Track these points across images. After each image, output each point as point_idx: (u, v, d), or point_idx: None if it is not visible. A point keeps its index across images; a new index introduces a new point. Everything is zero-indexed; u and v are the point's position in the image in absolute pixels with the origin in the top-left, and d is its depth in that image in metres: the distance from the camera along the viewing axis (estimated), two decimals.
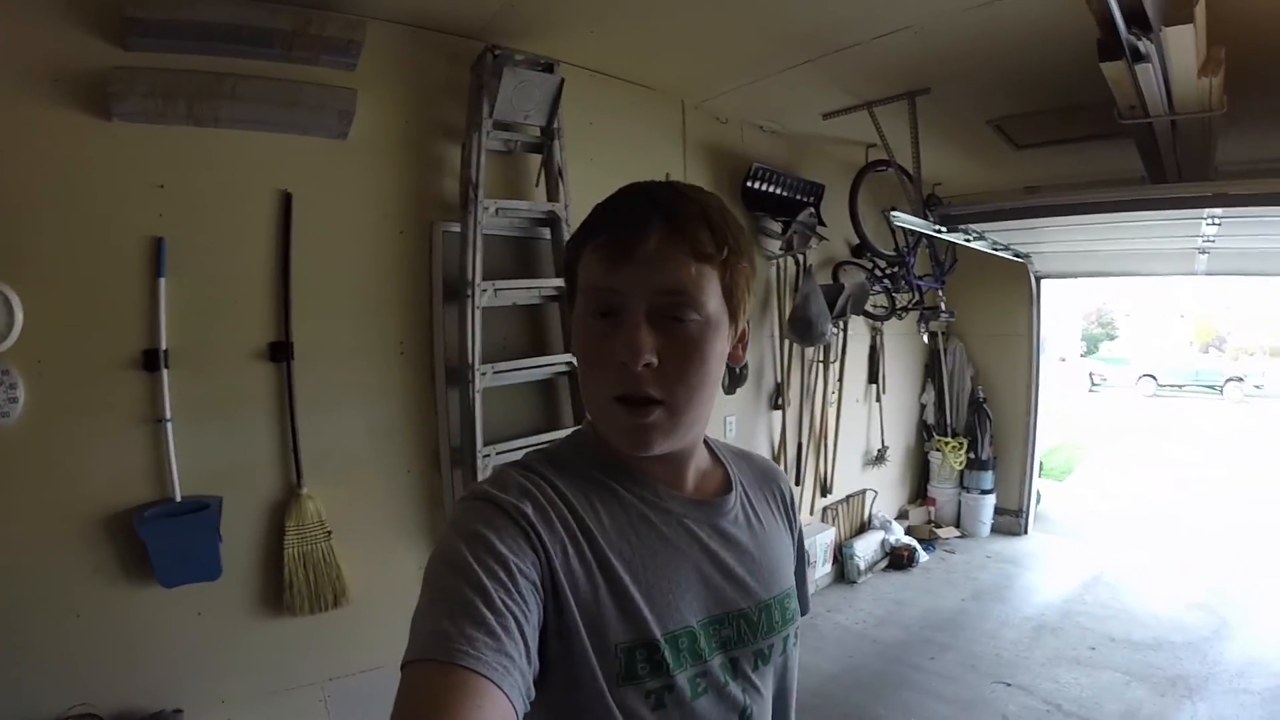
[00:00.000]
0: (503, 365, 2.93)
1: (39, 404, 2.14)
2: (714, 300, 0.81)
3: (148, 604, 2.31)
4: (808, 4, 2.80)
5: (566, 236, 3.07)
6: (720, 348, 0.84)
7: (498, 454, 2.87)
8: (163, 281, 2.31)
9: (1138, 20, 2.37)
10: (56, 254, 2.18)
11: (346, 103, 2.59)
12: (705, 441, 0.97)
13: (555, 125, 3.05)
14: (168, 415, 2.32)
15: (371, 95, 2.68)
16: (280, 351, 2.56)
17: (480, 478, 2.68)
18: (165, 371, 2.32)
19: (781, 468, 4.50)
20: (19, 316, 2.09)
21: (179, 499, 2.34)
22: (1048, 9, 2.67)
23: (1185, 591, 5.01)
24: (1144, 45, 2.45)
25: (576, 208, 3.11)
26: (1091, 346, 27.20)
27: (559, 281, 3.09)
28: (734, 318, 0.85)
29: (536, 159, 3.13)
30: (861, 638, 4.33)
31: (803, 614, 1.00)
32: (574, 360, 0.96)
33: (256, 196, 2.52)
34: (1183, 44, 2.41)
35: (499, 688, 0.64)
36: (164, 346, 2.31)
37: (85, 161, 2.21)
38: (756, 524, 0.96)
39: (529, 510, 0.78)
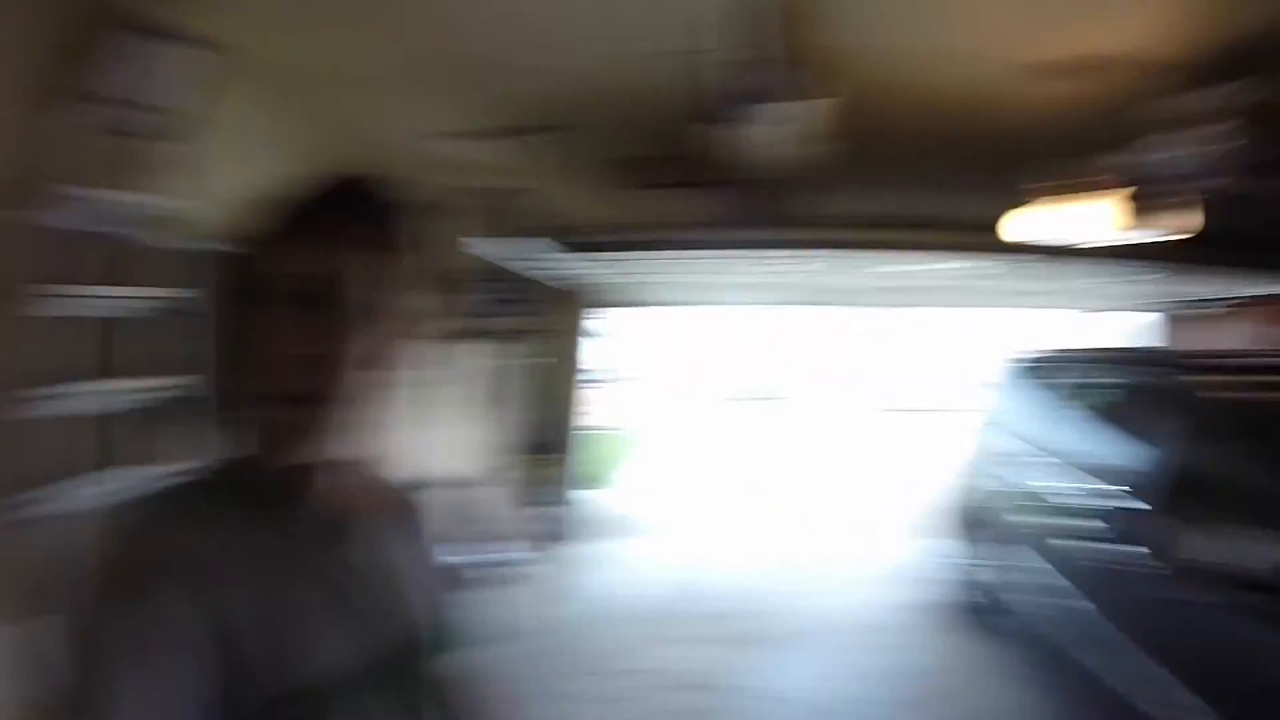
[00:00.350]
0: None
1: None
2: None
3: None
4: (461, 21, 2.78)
5: (178, 240, 2.63)
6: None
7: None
8: None
9: (750, 92, 2.74)
10: None
11: None
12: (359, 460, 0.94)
13: (186, 109, 2.58)
14: None
15: None
16: None
17: None
18: None
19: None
20: None
21: None
22: (673, 70, 2.91)
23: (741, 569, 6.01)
24: (748, 112, 2.82)
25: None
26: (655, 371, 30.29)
27: (164, 291, 2.62)
28: None
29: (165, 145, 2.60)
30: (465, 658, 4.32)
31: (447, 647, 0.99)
32: None
33: None
34: (790, 114, 2.81)
35: None
36: None
37: None
38: (389, 556, 0.94)
39: (187, 543, 0.72)
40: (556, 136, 3.77)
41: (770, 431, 17.89)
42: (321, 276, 0.76)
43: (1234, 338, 6.39)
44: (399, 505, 1.00)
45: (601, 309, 6.61)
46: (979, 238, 4.58)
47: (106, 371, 2.57)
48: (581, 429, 6.68)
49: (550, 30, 2.80)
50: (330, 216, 0.79)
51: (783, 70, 2.67)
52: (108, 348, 2.59)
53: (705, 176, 3.67)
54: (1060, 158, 3.20)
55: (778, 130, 2.87)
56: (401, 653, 0.85)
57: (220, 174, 2.83)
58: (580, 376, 6.65)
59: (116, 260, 2.58)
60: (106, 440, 2.60)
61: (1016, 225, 3.66)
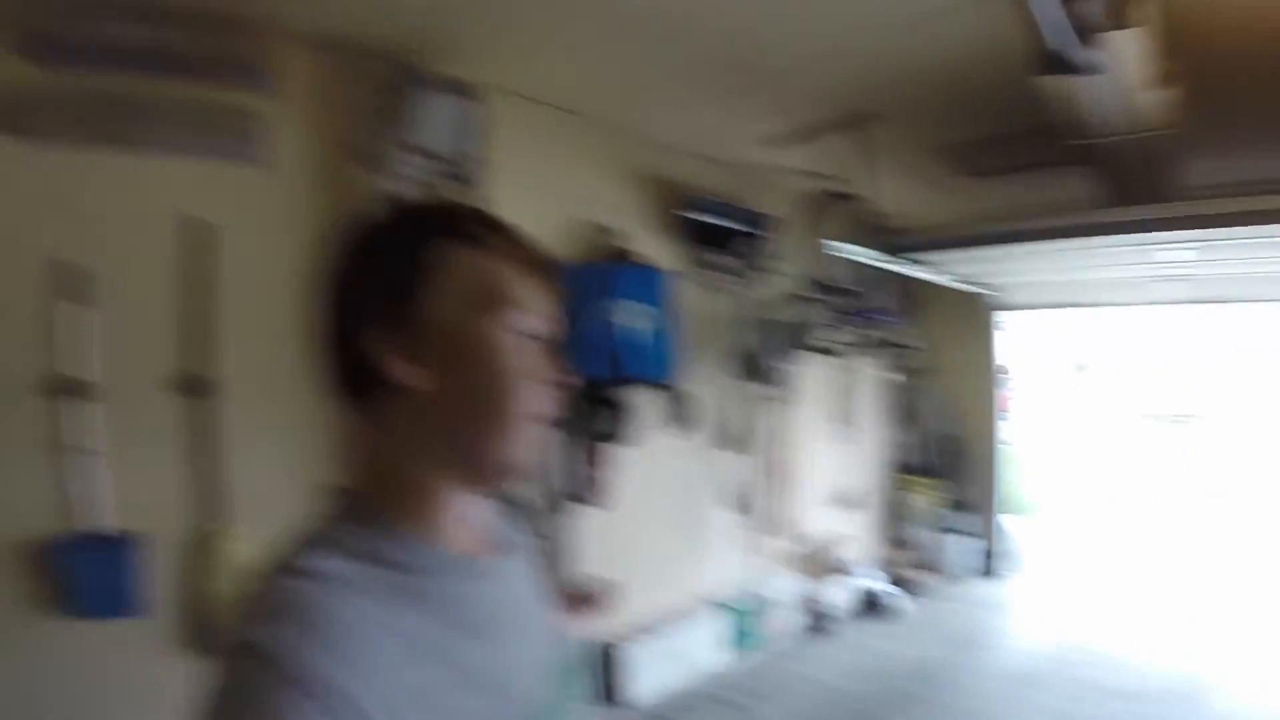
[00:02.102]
0: None
1: None
2: None
3: (69, 639, 2.16)
4: (728, 27, 2.66)
5: None
6: None
7: None
8: (79, 308, 2.19)
9: (1078, 29, 2.20)
10: None
11: (258, 127, 2.47)
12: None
13: (479, 153, 2.89)
14: (88, 446, 2.20)
15: (290, 119, 2.56)
16: (202, 385, 2.42)
17: None
18: (86, 402, 2.19)
19: (739, 512, 4.39)
20: None
21: (99, 532, 2.20)
22: (983, 23, 2.49)
23: (1169, 636, 4.74)
24: (1084, 56, 2.29)
25: None
26: (1066, 381, 26.96)
27: None
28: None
29: (464, 190, 2.90)
30: (833, 691, 4.04)
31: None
32: (451, 380, 0.71)
33: (172, 222, 2.39)
34: (1129, 53, 2.22)
35: None
36: (82, 375, 2.20)
37: None
38: (525, 626, 0.87)
39: (340, 681, 0.57)
40: (883, 127, 3.47)
41: (1186, 455, 14.53)
42: (547, 314, 0.78)
43: None
44: (517, 548, 0.92)
45: (995, 313, 5.87)
46: None
47: None
48: (978, 449, 6.00)
49: (849, 12, 2.53)
50: (545, 262, 0.80)
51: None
52: None
53: (1056, 150, 3.07)
54: None
55: (1117, 67, 2.27)
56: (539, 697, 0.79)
57: (532, 207, 3.15)
58: (978, 389, 6.00)
59: None
60: None
61: None
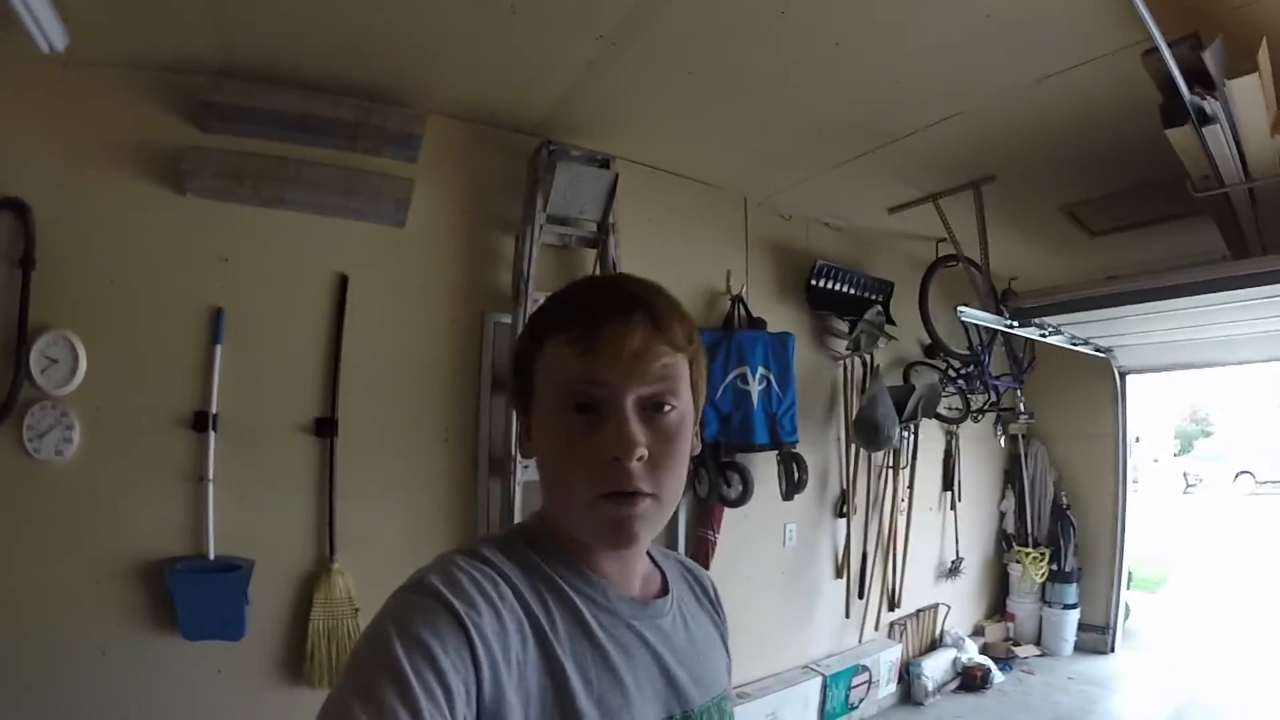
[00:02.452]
0: None
1: (92, 449, 2.25)
2: (686, 391, 0.80)
3: (170, 654, 2.30)
4: (854, 94, 2.77)
5: None
6: (690, 436, 0.81)
7: None
8: (219, 348, 2.42)
9: (1199, 78, 2.18)
10: (124, 312, 2.32)
11: (404, 192, 2.66)
12: None
13: (610, 220, 3.04)
14: (211, 475, 2.36)
15: (429, 186, 2.75)
16: (325, 427, 2.57)
17: None
18: (213, 434, 2.39)
19: (841, 578, 4.32)
20: (83, 364, 2.24)
21: (212, 557, 2.35)
22: (1105, 80, 2.51)
23: None
24: (1209, 105, 2.25)
25: None
26: (1186, 445, 25.10)
27: None
28: (697, 406, 0.83)
29: (592, 254, 3.11)
30: None
31: None
32: (537, 456, 0.80)
33: (314, 276, 2.61)
34: (1250, 98, 2.22)
35: None
36: (214, 410, 2.40)
37: (157, 230, 2.38)
38: (693, 624, 0.91)
39: (480, 616, 0.68)
40: (1000, 188, 3.51)
41: None
42: (590, 380, 0.75)
43: None
44: (690, 577, 1.00)
45: (1117, 377, 5.67)
46: None
47: None
48: (1094, 518, 5.73)
49: (971, 76, 2.61)
50: (601, 321, 0.77)
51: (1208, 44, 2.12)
52: None
53: (1177, 204, 3.04)
54: None
55: (1242, 114, 2.28)
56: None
57: (657, 274, 3.26)
58: (1097, 456, 5.75)
59: None
60: None
61: None
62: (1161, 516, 11.17)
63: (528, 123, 2.93)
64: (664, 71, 2.59)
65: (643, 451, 0.74)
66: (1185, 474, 20.10)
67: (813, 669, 4.04)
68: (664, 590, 0.90)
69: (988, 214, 3.61)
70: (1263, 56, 2.09)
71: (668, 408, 0.77)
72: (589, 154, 2.95)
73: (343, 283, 2.63)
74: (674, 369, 0.78)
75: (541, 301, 0.80)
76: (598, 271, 3.07)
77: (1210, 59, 2.11)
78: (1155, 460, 19.75)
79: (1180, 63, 2.13)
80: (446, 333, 2.83)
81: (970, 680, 4.80)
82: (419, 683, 0.61)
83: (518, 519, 2.62)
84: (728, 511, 3.53)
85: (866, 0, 2.19)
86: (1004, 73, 2.59)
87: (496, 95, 2.76)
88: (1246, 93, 2.16)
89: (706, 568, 3.35)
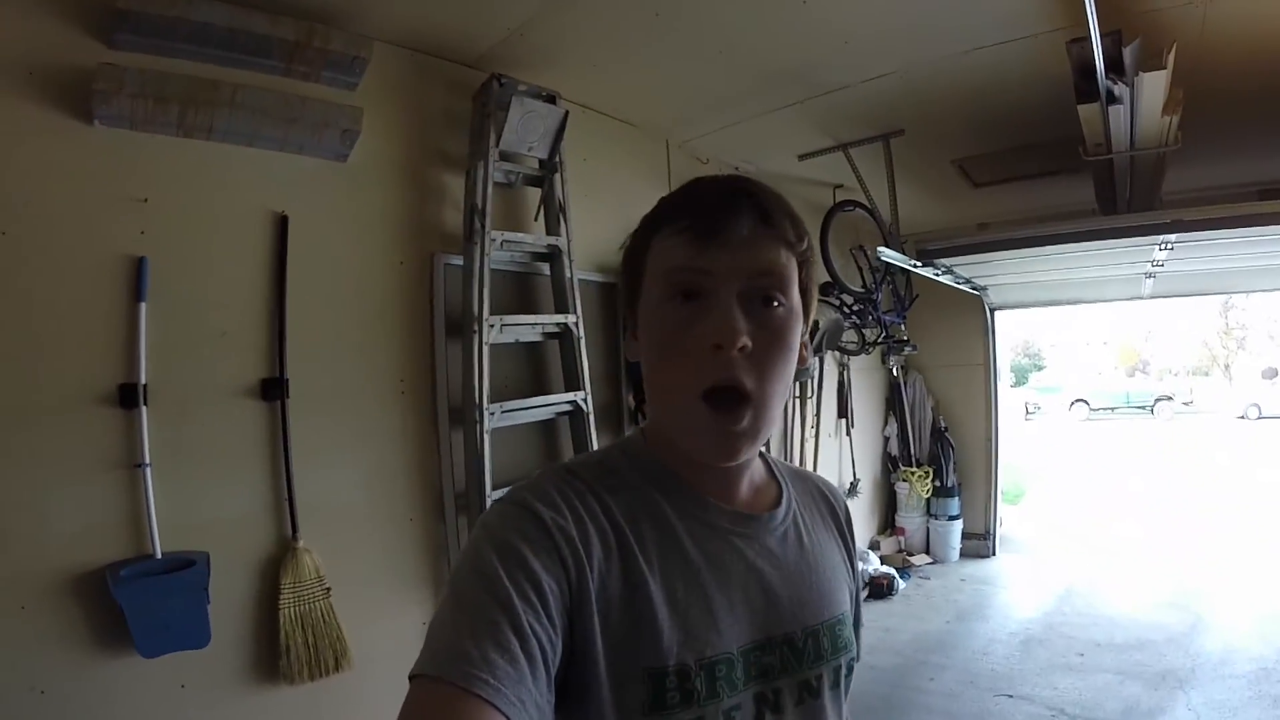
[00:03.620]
0: (510, 405, 2.70)
1: None
2: (795, 291, 0.76)
3: (124, 677, 1.90)
4: (796, 48, 2.82)
5: (567, 271, 2.94)
6: (798, 341, 0.77)
7: None
8: (143, 307, 1.96)
9: (1115, 67, 2.51)
10: (21, 269, 1.81)
11: (352, 122, 2.34)
12: (762, 455, 0.89)
13: (557, 158, 2.90)
14: (146, 459, 1.94)
15: (373, 117, 2.43)
16: (273, 389, 2.22)
17: None
18: (144, 409, 1.94)
19: (857, 494, 4.52)
20: None
21: (159, 555, 1.95)
22: (1023, 56, 2.80)
23: (1155, 594, 5.14)
24: (1119, 89, 2.58)
25: (576, 242, 2.97)
26: (1020, 377, 28.36)
27: (561, 317, 2.93)
28: (806, 314, 0.79)
29: (536, 192, 2.96)
30: (858, 665, 4.23)
31: (855, 657, 0.87)
32: (641, 357, 0.78)
33: (250, 218, 2.23)
34: (1155, 88, 2.57)
35: None
36: (143, 381, 1.94)
37: (59, 167, 1.87)
38: (809, 542, 0.86)
39: (566, 524, 0.70)
40: (905, 141, 3.73)
41: (1162, 437, 16.14)
42: (694, 267, 0.73)
43: None
44: (819, 495, 0.96)
45: (997, 312, 6.25)
46: None
47: (541, 387, 3.01)
48: (970, 440, 6.36)
49: (882, 34, 2.74)
50: (709, 210, 0.75)
51: (1129, 41, 2.44)
52: (532, 367, 3.02)
53: (1064, 164, 3.39)
54: None
55: (1141, 101, 2.60)
56: (796, 653, 0.79)
57: (595, 214, 3.20)
58: (971, 384, 6.36)
59: (523, 292, 3.01)
60: (543, 445, 3.07)
61: None
62: (1010, 440, 12.74)
63: (471, 55, 2.72)
64: (626, 11, 2.49)
65: (745, 341, 0.70)
66: (1025, 403, 22.92)
67: None
68: (776, 504, 0.86)
69: (890, 164, 3.86)
70: (1170, 57, 2.44)
71: (776, 303, 0.74)
72: (535, 88, 2.78)
73: (283, 224, 2.26)
74: (781, 265, 0.74)
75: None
76: (543, 211, 2.96)
77: (1129, 54, 2.43)
78: (1016, 388, 22.62)
79: (1104, 53, 2.37)
80: (395, 276, 2.57)
81: (879, 588, 5.24)
82: (514, 588, 0.63)
83: (488, 470, 2.54)
84: None
85: None
86: (942, 43, 2.81)
87: (444, 22, 2.52)
88: (1154, 84, 2.52)
89: None
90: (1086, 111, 2.78)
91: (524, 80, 2.76)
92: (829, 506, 0.95)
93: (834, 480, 5.15)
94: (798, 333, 0.76)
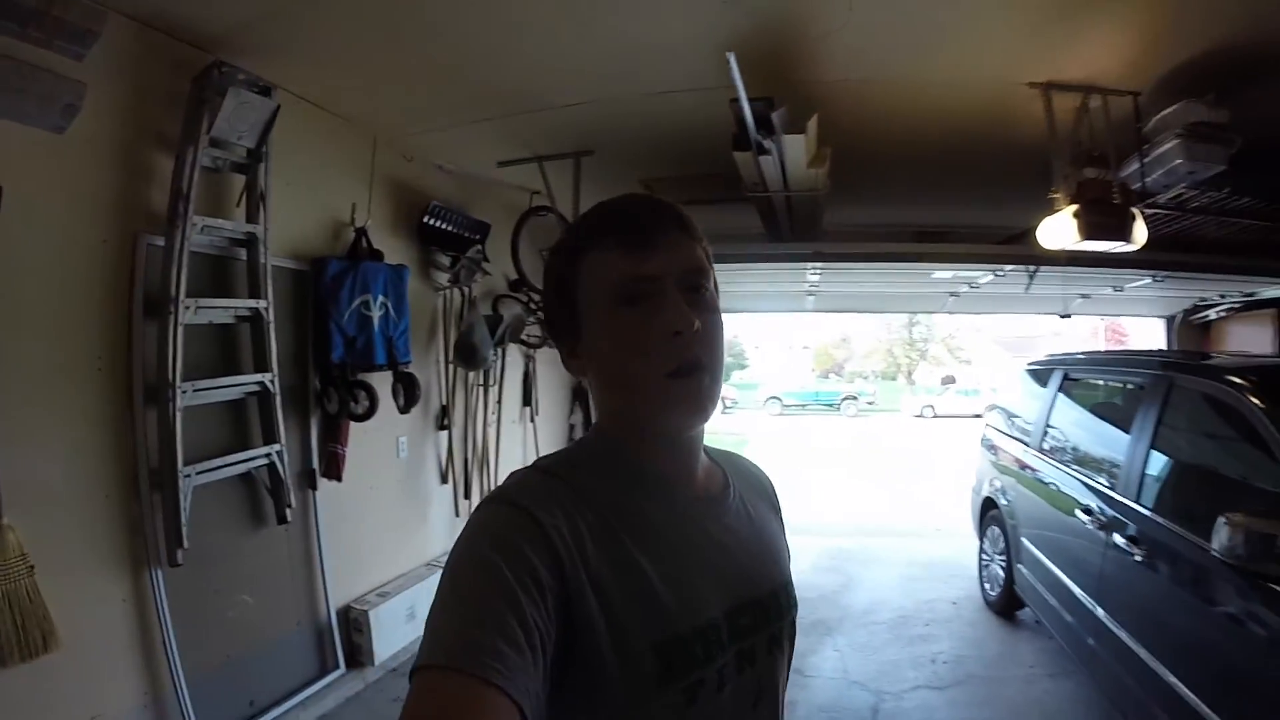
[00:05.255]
0: (203, 383, 2.97)
1: None
2: (712, 280, 0.92)
3: None
4: (506, 70, 3.33)
5: (262, 258, 3.23)
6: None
7: (198, 474, 2.91)
8: None
9: (765, 125, 3.31)
10: None
11: (76, 95, 2.46)
12: (704, 448, 1.02)
13: (265, 148, 3.17)
14: None
15: (95, 92, 2.54)
16: None
17: (181, 499, 2.79)
18: None
19: (447, 483, 5.02)
20: None
21: None
22: (699, 103, 3.49)
23: (815, 560, 6.42)
24: (768, 144, 3.39)
25: (274, 230, 3.28)
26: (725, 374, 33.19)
27: (254, 302, 3.23)
28: (716, 292, 0.95)
29: (240, 179, 3.20)
30: None
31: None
32: (594, 367, 0.91)
33: None
34: (797, 147, 3.42)
35: (523, 714, 0.64)
36: None
37: None
38: (754, 516, 1.02)
39: (557, 518, 0.79)
40: (595, 160, 4.36)
41: (843, 430, 19.93)
42: (638, 275, 0.85)
43: (1244, 341, 6.85)
44: (750, 476, 1.11)
45: None
46: (991, 248, 5.18)
47: (229, 369, 3.23)
48: None
49: (584, 70, 3.33)
50: (641, 226, 0.88)
51: (789, 106, 3.27)
52: (223, 348, 3.23)
53: (731, 194, 4.21)
54: (1057, 173, 3.62)
55: (787, 154, 3.44)
56: (763, 612, 0.93)
57: (295, 202, 3.50)
58: None
59: (219, 276, 3.23)
60: (233, 424, 3.28)
61: (1039, 234, 3.91)
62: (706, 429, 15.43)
63: (204, 36, 2.90)
64: (358, 16, 2.81)
65: (698, 324, 0.84)
66: (724, 398, 26.79)
67: (434, 565, 4.72)
68: (725, 485, 1.01)
69: (581, 177, 4.48)
70: (812, 124, 3.31)
71: (704, 290, 0.89)
72: (253, 79, 3.05)
73: None
74: (701, 259, 0.90)
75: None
76: (245, 198, 3.23)
77: (776, 118, 3.24)
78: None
79: (755, 114, 3.17)
80: (97, 254, 2.71)
81: None
82: (516, 581, 0.71)
83: (179, 448, 2.82)
84: (357, 426, 3.97)
85: (549, 5, 2.77)
86: (633, 83, 3.48)
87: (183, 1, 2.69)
88: (795, 145, 3.39)
89: (339, 480, 3.80)
90: (741, 158, 3.60)
91: (246, 69, 3.03)
92: (761, 484, 1.13)
93: (521, 464, 5.77)
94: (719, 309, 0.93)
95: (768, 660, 0.92)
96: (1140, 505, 3.02)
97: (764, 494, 1.11)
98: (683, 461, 0.94)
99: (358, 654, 3.96)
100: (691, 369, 0.85)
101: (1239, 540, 2.24)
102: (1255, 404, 2.57)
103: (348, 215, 3.99)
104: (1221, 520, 2.31)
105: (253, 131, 3.10)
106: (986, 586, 5.24)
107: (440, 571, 0.77)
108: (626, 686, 0.76)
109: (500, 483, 0.89)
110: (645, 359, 0.84)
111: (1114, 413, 3.74)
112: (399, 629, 4.17)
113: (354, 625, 3.97)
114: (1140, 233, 3.26)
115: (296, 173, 3.54)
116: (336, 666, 3.83)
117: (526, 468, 0.91)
